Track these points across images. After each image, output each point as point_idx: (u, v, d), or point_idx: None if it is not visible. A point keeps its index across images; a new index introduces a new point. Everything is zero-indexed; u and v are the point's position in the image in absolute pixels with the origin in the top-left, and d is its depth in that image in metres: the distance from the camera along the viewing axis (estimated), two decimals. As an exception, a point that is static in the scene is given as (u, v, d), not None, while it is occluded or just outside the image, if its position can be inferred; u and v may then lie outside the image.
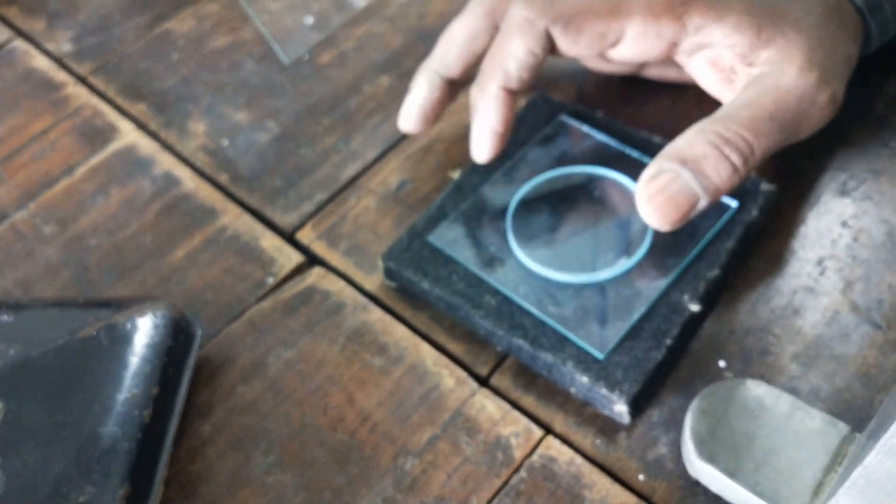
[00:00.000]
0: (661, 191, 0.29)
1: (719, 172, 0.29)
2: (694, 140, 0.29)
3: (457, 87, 0.35)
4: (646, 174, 0.29)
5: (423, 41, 0.41)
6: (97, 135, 0.39)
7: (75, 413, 0.26)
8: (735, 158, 0.29)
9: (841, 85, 0.32)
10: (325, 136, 0.38)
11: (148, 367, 0.27)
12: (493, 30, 0.34)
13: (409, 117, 0.35)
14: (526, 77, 0.32)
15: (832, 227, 0.33)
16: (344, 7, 0.43)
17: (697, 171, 0.29)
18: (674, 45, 0.32)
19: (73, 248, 0.35)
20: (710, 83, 0.33)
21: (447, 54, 0.34)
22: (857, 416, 0.28)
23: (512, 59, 0.32)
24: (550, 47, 0.32)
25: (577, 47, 0.32)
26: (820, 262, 0.32)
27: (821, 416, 0.27)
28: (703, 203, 0.29)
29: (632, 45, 0.32)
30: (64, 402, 0.27)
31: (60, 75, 0.41)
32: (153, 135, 0.39)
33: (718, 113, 0.30)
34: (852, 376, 0.29)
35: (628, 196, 0.32)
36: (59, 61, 0.42)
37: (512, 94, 0.32)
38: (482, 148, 0.33)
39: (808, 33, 0.31)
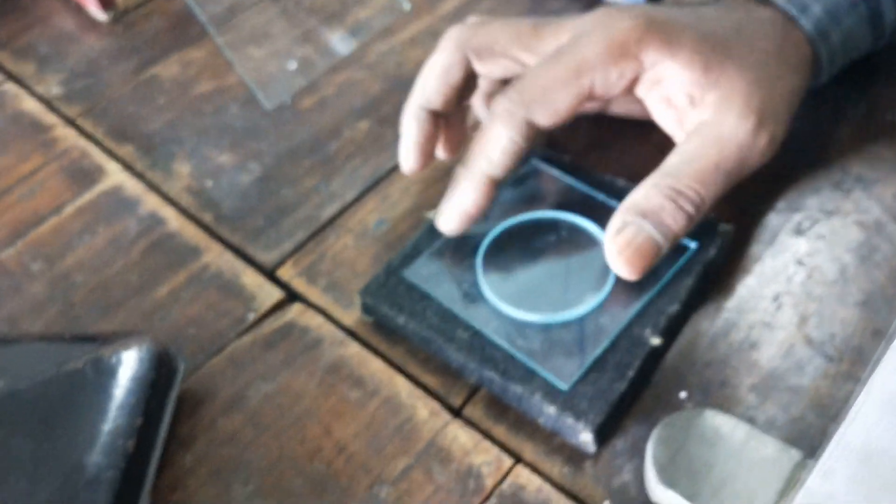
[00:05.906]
0: (628, 244, 0.31)
1: (676, 221, 0.32)
2: (650, 194, 0.32)
3: (441, 120, 0.37)
4: (611, 228, 0.32)
5: (401, 88, 0.43)
6: (85, 175, 0.40)
7: (61, 444, 0.27)
8: (689, 208, 0.32)
9: (780, 125, 0.34)
10: (305, 178, 0.40)
11: (132, 400, 0.28)
12: (465, 61, 0.36)
13: (409, 157, 0.36)
14: (509, 163, 0.33)
15: (788, 264, 0.35)
16: (327, 54, 0.45)
17: (657, 222, 0.32)
18: (634, 81, 0.34)
19: (59, 284, 0.36)
20: (664, 121, 0.36)
21: (426, 88, 0.36)
22: (810, 443, 0.30)
23: (495, 146, 0.33)
24: (533, 133, 0.33)
25: (559, 118, 0.33)
26: (776, 298, 0.34)
27: (775, 443, 0.28)
28: (664, 250, 0.32)
29: (597, 89, 0.34)
30: (50, 433, 0.27)
31: (49, 117, 0.43)
32: (139, 176, 0.40)
33: (667, 166, 0.33)
34: (806, 406, 0.31)
35: (593, 240, 0.34)
36: (48, 104, 0.44)
37: (493, 182, 0.33)
38: (450, 224, 0.34)
39: (749, 73, 0.34)
